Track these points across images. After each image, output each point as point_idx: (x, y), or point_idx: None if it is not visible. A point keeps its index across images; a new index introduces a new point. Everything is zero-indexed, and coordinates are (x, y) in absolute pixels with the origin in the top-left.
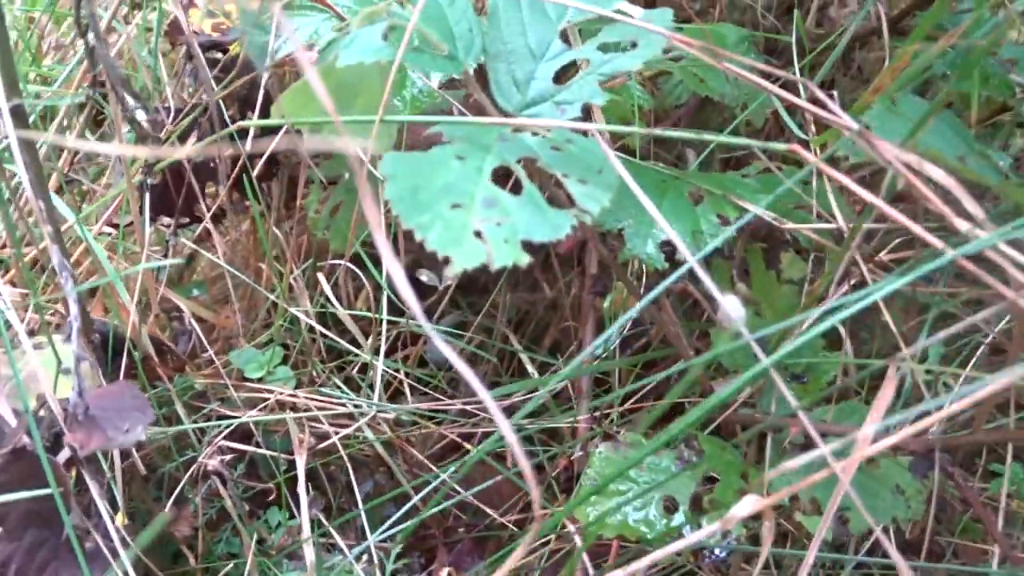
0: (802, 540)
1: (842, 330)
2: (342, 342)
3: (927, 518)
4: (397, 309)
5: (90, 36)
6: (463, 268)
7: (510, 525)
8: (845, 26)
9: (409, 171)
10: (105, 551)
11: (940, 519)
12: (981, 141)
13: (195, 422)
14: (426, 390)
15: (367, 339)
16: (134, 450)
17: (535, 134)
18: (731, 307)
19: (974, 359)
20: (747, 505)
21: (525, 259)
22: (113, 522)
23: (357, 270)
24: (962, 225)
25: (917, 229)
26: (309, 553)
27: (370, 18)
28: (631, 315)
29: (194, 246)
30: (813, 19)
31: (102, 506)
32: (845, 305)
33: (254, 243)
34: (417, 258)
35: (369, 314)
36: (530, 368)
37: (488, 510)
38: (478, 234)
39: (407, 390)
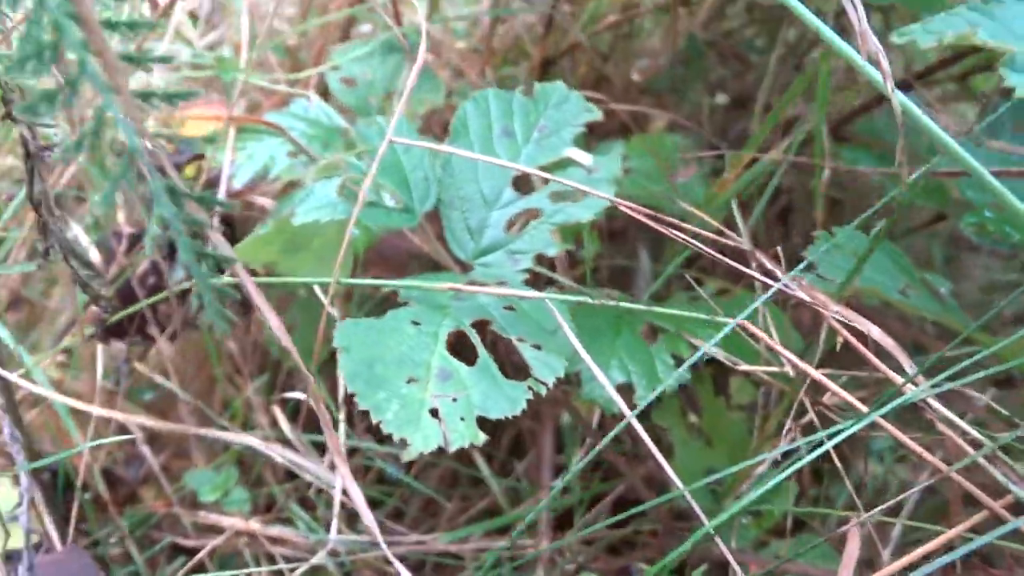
0: None
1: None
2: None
3: None
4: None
5: (42, 210)
6: (419, 452)
7: None
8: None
9: (364, 341)
10: None
11: None
12: (919, 256)
13: (149, 559)
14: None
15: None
16: None
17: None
18: None
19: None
20: None
21: (481, 438)
22: None
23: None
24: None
25: (841, 392)
26: None
27: (327, 171)
28: (584, 461)
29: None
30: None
31: None
32: (799, 452)
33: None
34: None
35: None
36: (486, 471)
37: None
38: (434, 412)
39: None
